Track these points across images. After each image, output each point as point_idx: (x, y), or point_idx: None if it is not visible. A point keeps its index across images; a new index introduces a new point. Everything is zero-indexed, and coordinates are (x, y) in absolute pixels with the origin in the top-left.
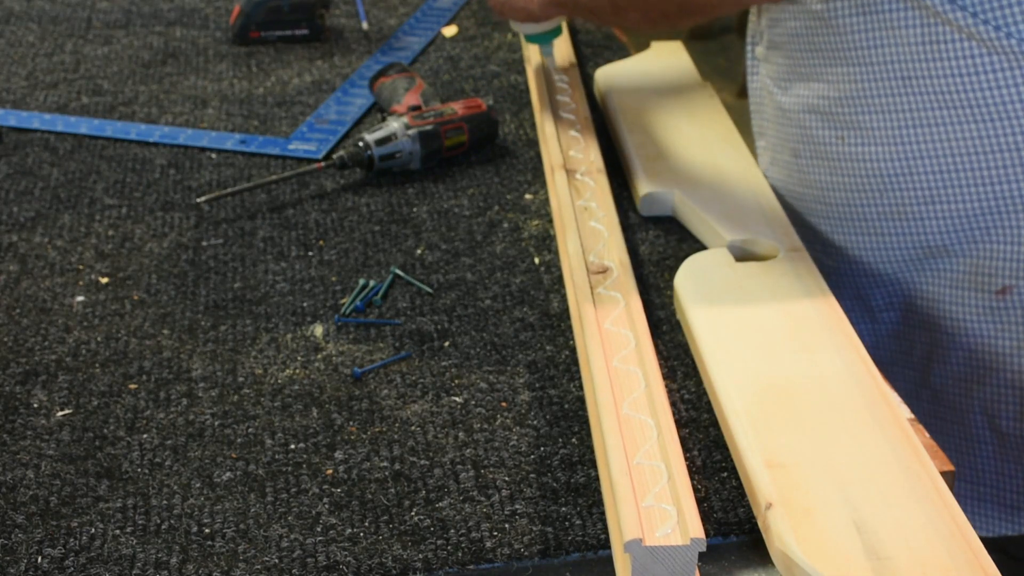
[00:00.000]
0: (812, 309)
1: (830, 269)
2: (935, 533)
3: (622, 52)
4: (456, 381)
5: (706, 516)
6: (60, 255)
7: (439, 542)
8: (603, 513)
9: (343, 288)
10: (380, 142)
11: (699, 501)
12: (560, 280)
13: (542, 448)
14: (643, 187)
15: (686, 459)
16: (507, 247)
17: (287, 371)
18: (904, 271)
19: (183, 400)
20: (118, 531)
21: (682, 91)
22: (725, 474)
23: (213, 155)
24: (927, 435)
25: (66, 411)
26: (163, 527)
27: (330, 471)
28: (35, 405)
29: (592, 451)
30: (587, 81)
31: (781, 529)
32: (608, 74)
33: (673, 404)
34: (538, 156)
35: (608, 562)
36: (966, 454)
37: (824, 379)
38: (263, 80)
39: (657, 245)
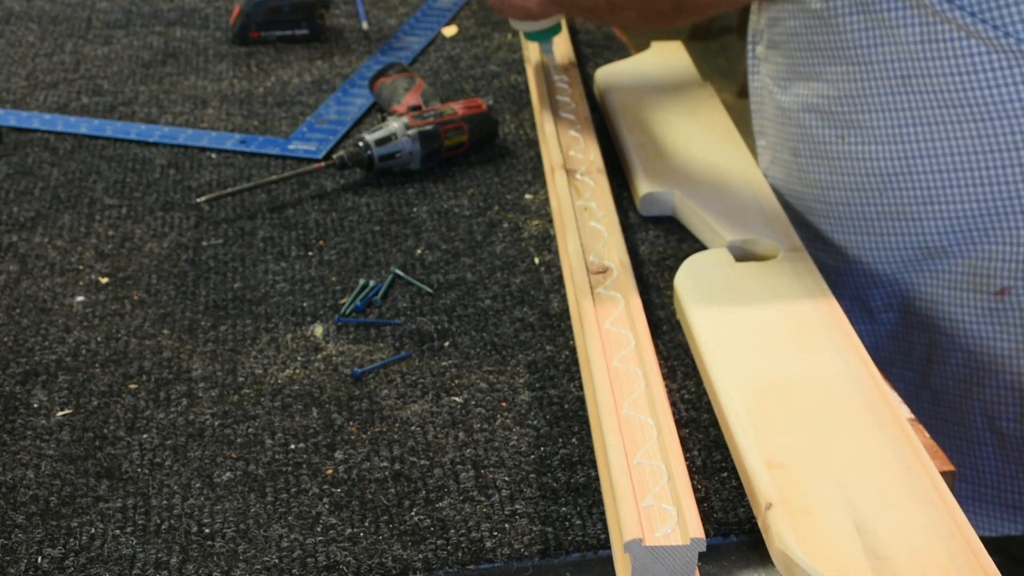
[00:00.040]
0: (812, 309)
1: (830, 268)
2: (935, 533)
3: (622, 52)
4: (456, 381)
5: (706, 516)
6: (60, 255)
7: (439, 542)
8: (603, 513)
9: (343, 288)
10: (380, 142)
11: (699, 501)
12: (560, 280)
13: (542, 448)
14: (643, 187)
15: (686, 459)
16: (507, 247)
17: (287, 371)
18: (903, 272)
19: (183, 400)
20: (118, 531)
21: (682, 91)
22: (725, 474)
23: (213, 155)
24: (927, 435)
25: (66, 411)
26: (163, 527)
27: (330, 471)
28: (35, 405)
29: (592, 451)
30: (587, 81)
31: (781, 529)
32: (608, 74)
33: (673, 404)
34: (538, 156)
35: (608, 562)
36: (967, 455)
37: (824, 379)
38: (263, 80)
39: (657, 245)
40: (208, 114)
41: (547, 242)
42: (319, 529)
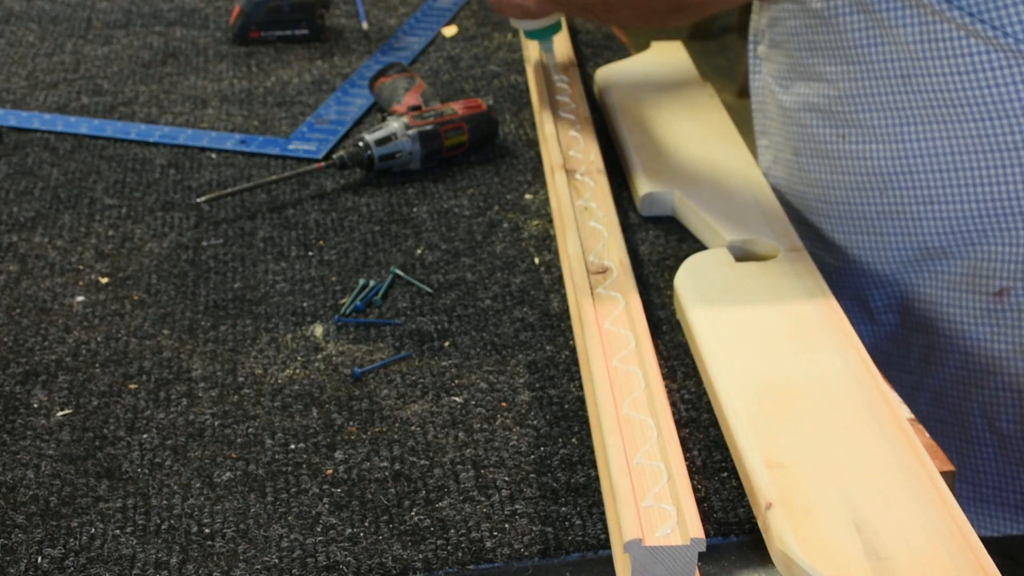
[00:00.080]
0: (812, 309)
1: (831, 268)
2: (935, 533)
3: (622, 52)
4: (456, 381)
5: (706, 516)
6: (60, 255)
7: (439, 542)
8: (603, 513)
9: (343, 288)
10: (380, 142)
11: (699, 501)
12: (560, 280)
13: (542, 448)
14: (643, 187)
15: (686, 459)
16: (507, 247)
17: (287, 371)
18: (902, 272)
19: (183, 400)
20: (118, 531)
21: (682, 91)
22: (725, 474)
23: (213, 155)
24: (927, 435)
25: (66, 411)
26: (163, 527)
27: (330, 471)
28: (35, 405)
29: (592, 451)
30: (587, 81)
31: (781, 529)
32: (608, 74)
33: (673, 404)
34: (538, 156)
35: (608, 562)
36: (967, 455)
37: (824, 379)
38: (263, 80)
39: (657, 245)
40: (208, 114)
41: (547, 242)
42: (319, 529)
